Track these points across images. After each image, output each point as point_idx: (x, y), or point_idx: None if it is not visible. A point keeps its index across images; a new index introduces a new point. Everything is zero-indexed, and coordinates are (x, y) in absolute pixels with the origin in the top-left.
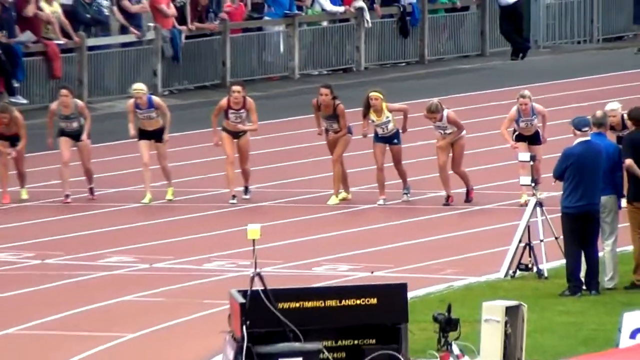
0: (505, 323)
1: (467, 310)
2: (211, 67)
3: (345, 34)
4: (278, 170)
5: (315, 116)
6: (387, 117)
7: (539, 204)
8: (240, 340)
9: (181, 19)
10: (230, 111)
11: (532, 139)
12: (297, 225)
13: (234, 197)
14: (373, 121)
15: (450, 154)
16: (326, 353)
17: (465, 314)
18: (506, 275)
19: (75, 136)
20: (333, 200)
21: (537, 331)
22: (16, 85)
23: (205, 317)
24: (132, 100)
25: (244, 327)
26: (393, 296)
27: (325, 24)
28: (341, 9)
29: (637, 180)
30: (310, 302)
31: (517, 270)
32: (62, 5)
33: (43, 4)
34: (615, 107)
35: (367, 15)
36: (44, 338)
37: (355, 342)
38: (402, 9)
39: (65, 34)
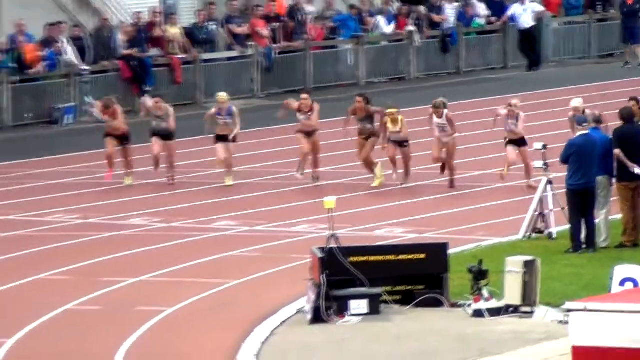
0: (524, 273)
1: (493, 264)
2: (296, 76)
3: (400, 50)
4: (344, 157)
5: (345, 120)
6: (400, 127)
7: (549, 182)
8: (319, 286)
9: (274, 39)
10: (299, 114)
11: (519, 142)
12: (361, 198)
13: (301, 173)
14: (389, 128)
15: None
16: (386, 296)
17: (492, 267)
18: (524, 237)
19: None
20: (376, 182)
21: (548, 279)
22: (147, 89)
23: (293, 268)
24: (214, 108)
25: (323, 276)
26: (437, 252)
27: (384, 43)
28: (396, 31)
29: (624, 165)
30: (373, 257)
31: (533, 233)
32: (183, 28)
33: (168, 27)
34: (578, 103)
35: (416, 37)
36: (169, 283)
37: (408, 287)
38: (443, 32)
39: (185, 50)
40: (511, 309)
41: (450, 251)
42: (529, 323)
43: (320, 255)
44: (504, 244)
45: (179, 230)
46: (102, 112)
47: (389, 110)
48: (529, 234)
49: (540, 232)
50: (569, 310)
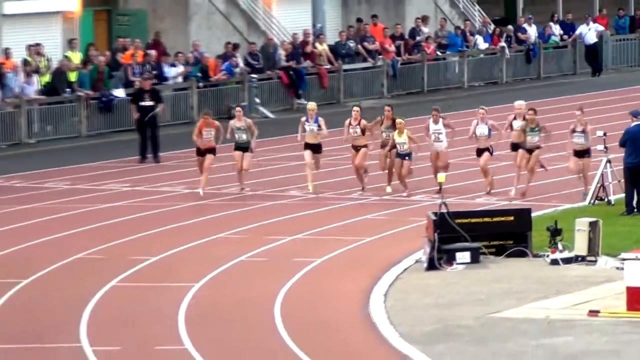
0: (589, 231)
1: (566, 224)
2: (415, 81)
3: (494, 61)
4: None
5: (374, 127)
6: (404, 139)
7: (608, 161)
8: (433, 241)
9: (398, 53)
10: (350, 127)
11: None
12: (462, 175)
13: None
14: (395, 139)
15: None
16: (483, 249)
17: (565, 227)
18: (589, 203)
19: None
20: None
21: (608, 236)
22: (300, 92)
23: (412, 228)
24: (304, 117)
25: (435, 234)
26: (523, 215)
27: (481, 55)
28: (491, 46)
29: None
30: (474, 219)
31: (596, 201)
32: (328, 45)
33: (317, 44)
34: (521, 103)
35: (506, 50)
36: (317, 240)
37: (500, 242)
38: (527, 47)
39: (330, 62)
40: (579, 259)
41: (533, 214)
42: (593, 269)
43: (433, 218)
44: (574, 209)
45: (325, 199)
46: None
47: (397, 120)
48: (593, 201)
49: (602, 199)
50: (624, 259)
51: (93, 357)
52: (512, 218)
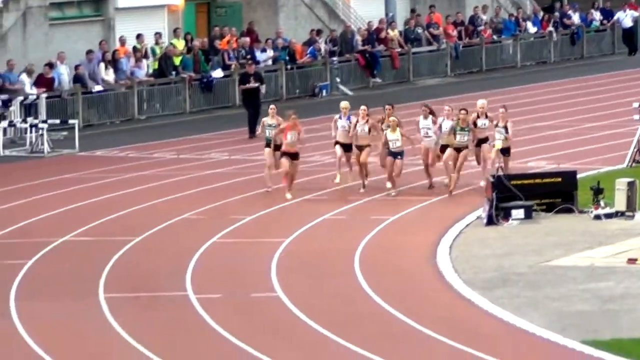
0: (628, 190)
1: (607, 184)
2: (475, 62)
3: (543, 43)
4: None
5: (376, 126)
6: (397, 136)
7: None
8: (491, 200)
9: (459, 37)
10: (358, 125)
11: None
12: (516, 142)
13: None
14: (387, 136)
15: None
16: (536, 206)
17: (607, 186)
18: (627, 165)
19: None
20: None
21: None
22: (375, 72)
23: (473, 189)
24: (338, 115)
25: (493, 194)
26: (569, 177)
27: (532, 39)
28: (540, 30)
29: None
30: (527, 180)
31: (633, 163)
32: (399, 31)
33: (389, 31)
34: (484, 103)
35: (554, 34)
36: (391, 200)
37: (550, 200)
38: (572, 31)
39: (401, 46)
40: (619, 214)
41: (578, 176)
42: (631, 223)
43: (491, 180)
44: (614, 171)
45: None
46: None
47: (391, 118)
48: (631, 163)
49: (638, 162)
50: None
51: (197, 304)
52: (560, 179)
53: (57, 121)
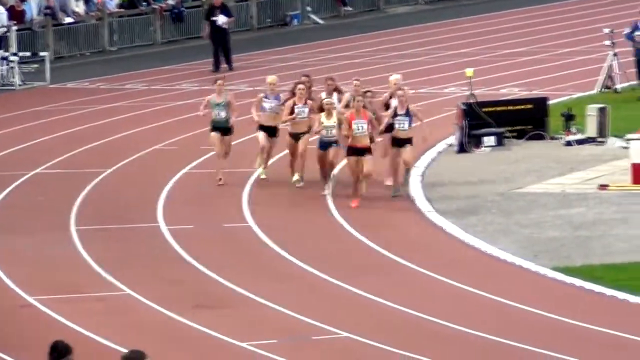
0: (599, 116)
1: (579, 110)
2: None
3: None
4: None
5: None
6: (333, 122)
7: (615, 54)
8: (462, 128)
9: None
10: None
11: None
12: (492, 68)
13: None
14: (322, 121)
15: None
16: (507, 133)
17: (578, 112)
18: (598, 91)
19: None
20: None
21: (615, 120)
22: (346, 0)
23: (445, 117)
24: (262, 94)
25: (465, 121)
26: (541, 103)
27: None
28: None
29: None
30: (498, 107)
31: (604, 89)
32: None
33: None
34: (397, 78)
35: None
36: None
37: (522, 127)
38: None
39: None
40: (590, 140)
41: (549, 102)
42: (602, 149)
43: (463, 107)
44: (585, 97)
45: None
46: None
47: (325, 100)
48: (601, 89)
49: (609, 88)
50: (629, 139)
51: (169, 235)
52: (531, 106)
53: (28, 54)
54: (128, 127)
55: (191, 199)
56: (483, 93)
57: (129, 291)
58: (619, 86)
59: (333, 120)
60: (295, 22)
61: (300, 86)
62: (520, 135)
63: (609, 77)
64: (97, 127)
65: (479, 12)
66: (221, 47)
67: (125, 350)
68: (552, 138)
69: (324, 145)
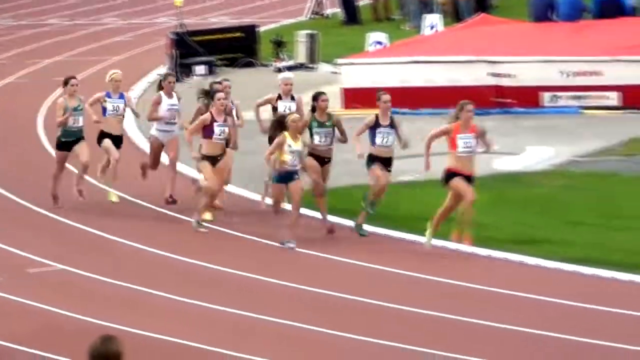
0: (308, 42)
1: (288, 37)
2: None
3: None
4: None
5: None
6: (300, 146)
7: None
8: (173, 56)
9: None
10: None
11: None
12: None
13: None
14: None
15: None
16: (218, 62)
17: (288, 39)
18: (308, 17)
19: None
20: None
21: (325, 45)
22: None
23: (157, 46)
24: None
25: (175, 50)
26: (250, 31)
27: None
28: None
29: None
30: (208, 36)
31: (314, 15)
32: None
33: None
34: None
35: None
36: None
37: (233, 55)
38: None
39: None
40: (301, 65)
41: (259, 29)
42: (315, 75)
43: (172, 36)
44: (295, 23)
45: None
46: None
47: (291, 117)
48: (311, 15)
49: (319, 14)
50: (340, 65)
51: None
52: (241, 34)
53: None
54: None
55: None
56: (193, 22)
57: None
58: (328, 11)
59: (299, 145)
60: None
61: (220, 94)
62: (231, 63)
63: (318, 3)
64: None
65: None
66: None
67: None
68: (263, 65)
69: (287, 176)
